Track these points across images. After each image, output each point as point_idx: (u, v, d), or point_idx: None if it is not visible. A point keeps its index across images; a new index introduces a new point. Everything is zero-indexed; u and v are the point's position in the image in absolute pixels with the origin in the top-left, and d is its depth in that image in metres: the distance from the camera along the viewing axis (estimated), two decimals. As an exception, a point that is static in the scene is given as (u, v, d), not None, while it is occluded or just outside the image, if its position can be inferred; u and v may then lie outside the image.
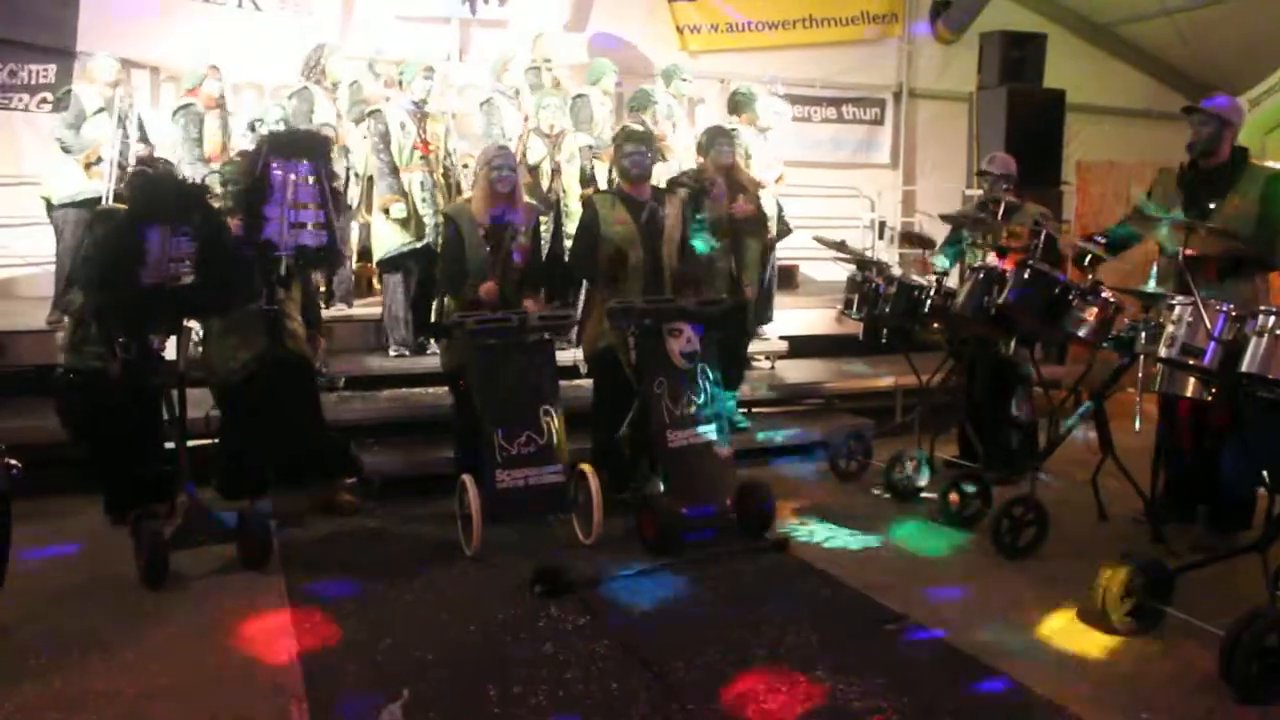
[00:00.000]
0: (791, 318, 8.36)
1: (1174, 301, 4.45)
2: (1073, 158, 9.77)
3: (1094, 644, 4.13)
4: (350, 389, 6.98)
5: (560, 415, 5.33)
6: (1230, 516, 5.16)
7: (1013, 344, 5.88)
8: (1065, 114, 9.46)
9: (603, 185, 7.35)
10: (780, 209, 7.72)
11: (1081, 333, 5.06)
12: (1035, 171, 8.16)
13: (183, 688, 3.74)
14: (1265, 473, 4.36)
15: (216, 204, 5.05)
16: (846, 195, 10.99)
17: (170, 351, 5.05)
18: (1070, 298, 5.14)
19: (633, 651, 4.04)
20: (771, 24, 10.89)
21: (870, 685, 3.77)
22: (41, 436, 5.86)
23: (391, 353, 7.23)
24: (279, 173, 5.16)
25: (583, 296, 6.48)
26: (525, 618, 4.35)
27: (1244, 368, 4.05)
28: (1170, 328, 4.40)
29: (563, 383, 5.65)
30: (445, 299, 5.78)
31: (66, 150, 7.05)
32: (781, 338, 8.18)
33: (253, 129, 6.65)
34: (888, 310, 6.24)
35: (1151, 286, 4.66)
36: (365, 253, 7.88)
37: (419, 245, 7.03)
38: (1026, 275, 5.23)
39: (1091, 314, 5.05)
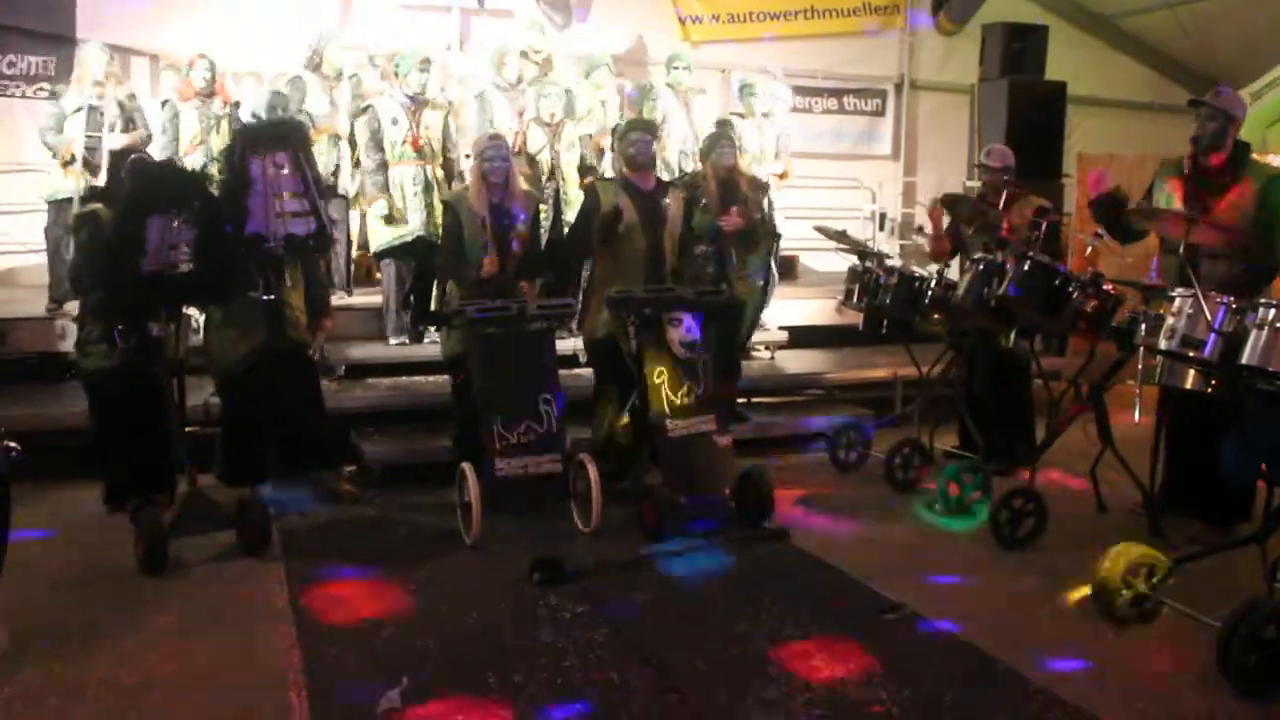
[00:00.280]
0: (792, 308, 8.36)
1: (1174, 293, 4.45)
2: (1074, 150, 9.75)
3: (1093, 635, 4.14)
4: (350, 377, 6.97)
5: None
6: (1229, 508, 5.16)
7: (1013, 336, 5.88)
8: (1066, 106, 9.44)
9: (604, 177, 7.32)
10: (770, 207, 7.58)
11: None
12: (1036, 164, 8.14)
13: (182, 675, 3.74)
14: (1264, 465, 4.37)
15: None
16: (847, 186, 10.98)
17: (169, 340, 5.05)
18: (1070, 290, 5.14)
19: (631, 641, 4.05)
20: (773, 14, 10.85)
21: (869, 675, 3.77)
22: (41, 423, 5.89)
23: (392, 341, 7.23)
24: (258, 165, 5.19)
25: (583, 285, 6.47)
26: (524, 606, 4.36)
27: (1244, 360, 4.05)
28: (1170, 320, 4.40)
29: (562, 371, 5.65)
30: (446, 287, 5.79)
31: (50, 149, 7.09)
32: (781, 328, 8.18)
33: (255, 118, 6.63)
34: (888, 301, 6.24)
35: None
36: (366, 242, 7.87)
37: (409, 239, 7.04)
38: (1027, 267, 5.23)
39: (1092, 306, 5.05)
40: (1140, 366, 5.05)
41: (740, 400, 7.07)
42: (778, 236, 7.59)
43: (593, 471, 5.15)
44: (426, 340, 7.15)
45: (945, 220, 6.40)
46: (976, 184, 7.48)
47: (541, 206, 6.65)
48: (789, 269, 9.67)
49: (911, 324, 6.39)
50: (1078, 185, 8.93)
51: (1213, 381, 4.55)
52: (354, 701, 3.56)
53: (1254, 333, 4.04)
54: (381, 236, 7.12)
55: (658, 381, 5.36)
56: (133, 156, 5.56)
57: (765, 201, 6.87)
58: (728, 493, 5.44)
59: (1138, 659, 3.97)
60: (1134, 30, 12.15)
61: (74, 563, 4.81)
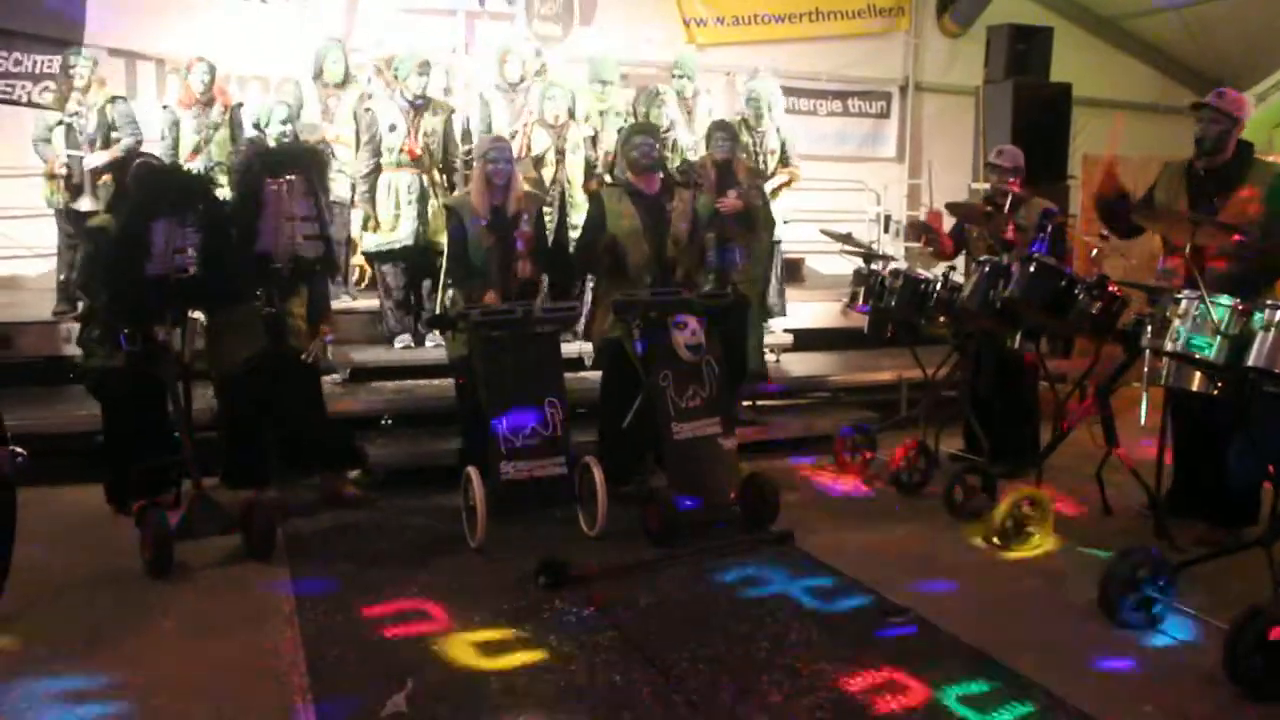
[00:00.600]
0: (797, 311, 8.35)
1: (1180, 295, 4.44)
2: (1079, 151, 9.73)
3: (1099, 639, 4.12)
4: (354, 380, 6.97)
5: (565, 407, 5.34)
6: (1235, 511, 5.15)
7: (1018, 338, 5.87)
8: (1072, 108, 9.42)
9: (608, 182, 7.31)
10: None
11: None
12: (1042, 165, 8.12)
13: (188, 679, 3.75)
14: (1271, 467, 4.36)
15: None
16: (852, 189, 10.97)
17: (174, 343, 5.07)
18: (1076, 291, 5.13)
19: (636, 644, 4.04)
20: (778, 17, 10.86)
21: (874, 678, 3.76)
22: (47, 427, 5.90)
23: (397, 344, 7.23)
24: (272, 187, 5.26)
25: (589, 288, 6.47)
26: (529, 610, 4.35)
27: (1250, 362, 4.04)
28: (1176, 322, 4.39)
29: (568, 375, 5.65)
30: (450, 292, 5.79)
31: (43, 159, 7.16)
32: (787, 331, 8.18)
33: (258, 128, 6.63)
34: (893, 304, 6.23)
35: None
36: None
37: (396, 246, 7.04)
38: (1032, 269, 5.22)
39: (1097, 308, 5.04)
40: (1146, 369, 5.03)
41: (745, 403, 7.07)
42: (776, 231, 7.60)
43: (598, 474, 5.15)
44: (430, 344, 7.15)
45: (947, 224, 6.40)
46: (983, 185, 7.46)
47: (545, 208, 6.64)
48: (794, 271, 9.66)
49: (917, 326, 6.38)
50: (1083, 186, 8.92)
51: (1219, 384, 4.53)
52: (359, 705, 3.56)
53: (1260, 334, 4.03)
54: (367, 241, 7.17)
55: (663, 385, 5.36)
56: (138, 160, 5.58)
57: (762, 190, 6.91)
58: (733, 496, 5.44)
59: (1144, 661, 3.96)
60: (1139, 31, 12.14)
61: (79, 566, 4.81)
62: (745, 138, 7.37)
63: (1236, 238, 4.65)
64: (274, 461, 5.63)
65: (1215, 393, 4.58)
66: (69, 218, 7.17)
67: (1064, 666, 3.89)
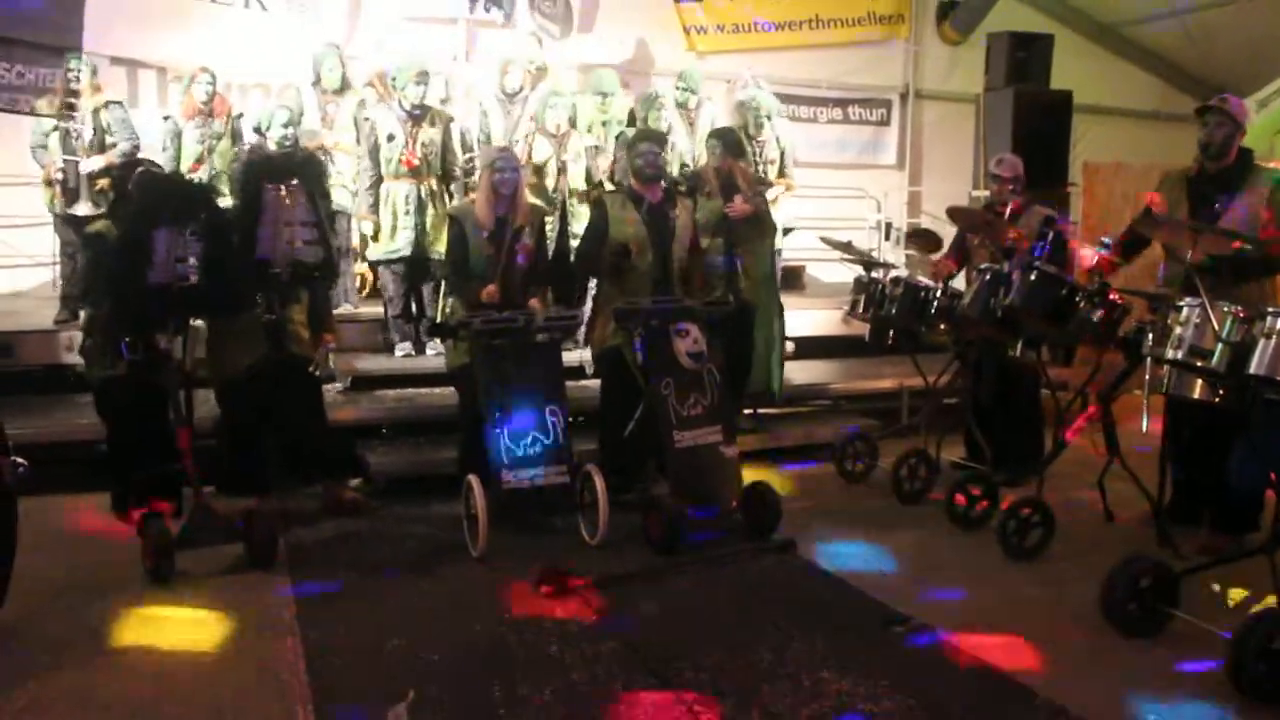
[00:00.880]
0: (798, 319, 8.34)
1: (1182, 303, 4.44)
2: (1080, 159, 9.75)
3: (1102, 647, 4.12)
4: (355, 389, 6.97)
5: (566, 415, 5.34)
6: (1238, 518, 5.14)
7: (1019, 346, 5.87)
8: (1072, 115, 9.43)
9: (608, 186, 7.32)
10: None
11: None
12: (1042, 173, 8.13)
13: (189, 687, 3.74)
14: (1273, 474, 4.35)
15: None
16: (852, 196, 10.98)
17: (176, 351, 5.07)
18: (1077, 299, 5.13)
19: (637, 653, 4.03)
20: (778, 24, 10.89)
21: (876, 687, 3.76)
22: (48, 435, 5.89)
23: (398, 353, 7.23)
24: (271, 193, 5.29)
25: (590, 297, 6.47)
26: (530, 619, 4.35)
27: (1252, 369, 4.04)
28: (1178, 329, 4.39)
29: (569, 383, 5.64)
30: (449, 301, 5.80)
31: (41, 166, 7.18)
32: (787, 339, 8.16)
33: (258, 132, 6.64)
34: (894, 311, 6.23)
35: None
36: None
37: (394, 257, 7.06)
38: (1033, 277, 5.22)
39: (1099, 315, 5.04)
40: (1148, 376, 5.03)
41: (746, 410, 7.06)
42: (778, 239, 7.62)
43: (599, 483, 5.14)
44: (431, 352, 7.15)
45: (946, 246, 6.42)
46: (983, 193, 7.47)
47: (547, 219, 6.65)
48: (794, 279, 9.66)
49: (918, 334, 6.38)
50: (1084, 194, 8.92)
51: (1220, 391, 4.53)
52: (360, 715, 3.55)
53: (1262, 342, 4.03)
54: (372, 250, 7.24)
55: (664, 392, 5.36)
56: (140, 169, 5.59)
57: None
58: (735, 504, 5.43)
59: (1147, 669, 3.95)
60: (1140, 39, 12.16)
61: (80, 574, 4.80)
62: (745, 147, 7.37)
63: (1236, 245, 4.66)
64: (274, 469, 5.62)
65: (1217, 400, 4.59)
66: (66, 223, 7.18)
67: (1067, 675, 3.89)
